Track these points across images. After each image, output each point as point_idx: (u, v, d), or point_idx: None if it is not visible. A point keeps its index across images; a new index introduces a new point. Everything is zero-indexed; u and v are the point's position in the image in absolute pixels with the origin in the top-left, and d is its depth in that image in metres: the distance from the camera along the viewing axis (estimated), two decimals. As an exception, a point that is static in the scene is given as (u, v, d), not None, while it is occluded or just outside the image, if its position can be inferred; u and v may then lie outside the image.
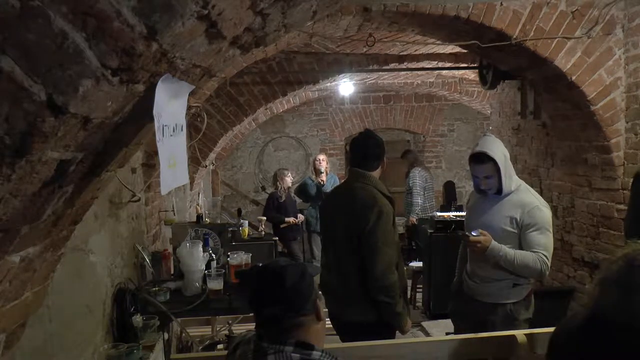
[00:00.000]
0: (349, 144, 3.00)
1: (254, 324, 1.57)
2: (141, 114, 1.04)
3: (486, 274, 2.80)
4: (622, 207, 3.60)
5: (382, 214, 2.70)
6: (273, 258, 5.11)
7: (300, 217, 7.01)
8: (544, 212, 2.72)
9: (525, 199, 2.74)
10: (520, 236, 2.72)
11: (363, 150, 2.86)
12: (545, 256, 2.66)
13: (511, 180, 2.76)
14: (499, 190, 2.75)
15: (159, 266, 3.07)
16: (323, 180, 6.73)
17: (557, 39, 3.47)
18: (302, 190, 7.01)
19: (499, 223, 2.75)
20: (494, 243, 2.69)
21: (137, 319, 2.42)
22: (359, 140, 2.91)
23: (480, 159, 2.75)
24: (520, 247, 2.72)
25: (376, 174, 2.87)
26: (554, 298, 4.06)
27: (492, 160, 2.69)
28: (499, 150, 2.74)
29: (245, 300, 2.50)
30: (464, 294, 2.94)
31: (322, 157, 7.04)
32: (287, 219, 6.83)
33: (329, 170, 7.05)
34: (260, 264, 1.67)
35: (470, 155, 2.84)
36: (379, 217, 2.69)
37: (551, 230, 2.74)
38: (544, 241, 2.68)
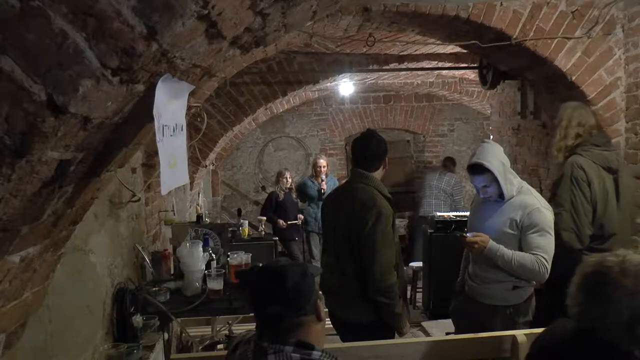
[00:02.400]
0: (351, 144, 2.99)
1: (254, 324, 1.57)
2: (141, 114, 1.04)
3: (486, 275, 2.79)
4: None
5: (381, 215, 2.69)
6: (273, 258, 5.11)
7: (300, 217, 6.99)
8: (545, 213, 2.70)
9: (526, 200, 2.72)
10: (520, 238, 2.71)
11: (364, 150, 2.85)
12: (545, 258, 2.64)
13: (512, 185, 2.74)
14: (501, 195, 2.74)
15: (159, 266, 3.07)
16: (324, 189, 6.60)
17: (557, 39, 3.46)
18: (301, 190, 6.99)
19: (500, 225, 2.74)
20: (492, 243, 2.68)
21: (137, 319, 2.42)
22: (361, 140, 2.90)
23: (477, 169, 2.74)
24: (521, 249, 2.70)
25: (378, 174, 2.86)
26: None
27: (490, 170, 2.69)
28: (495, 159, 2.70)
29: (245, 300, 2.51)
30: (466, 294, 2.94)
31: (322, 161, 6.88)
32: (279, 221, 6.73)
33: (328, 173, 7.00)
34: (260, 264, 1.67)
35: (468, 165, 2.83)
36: (377, 218, 2.68)
37: (552, 232, 2.71)
38: (544, 243, 2.66)
